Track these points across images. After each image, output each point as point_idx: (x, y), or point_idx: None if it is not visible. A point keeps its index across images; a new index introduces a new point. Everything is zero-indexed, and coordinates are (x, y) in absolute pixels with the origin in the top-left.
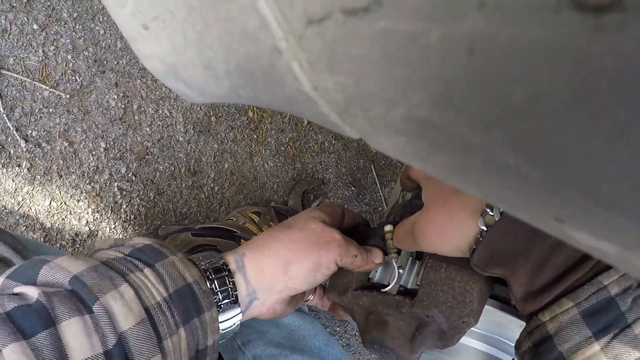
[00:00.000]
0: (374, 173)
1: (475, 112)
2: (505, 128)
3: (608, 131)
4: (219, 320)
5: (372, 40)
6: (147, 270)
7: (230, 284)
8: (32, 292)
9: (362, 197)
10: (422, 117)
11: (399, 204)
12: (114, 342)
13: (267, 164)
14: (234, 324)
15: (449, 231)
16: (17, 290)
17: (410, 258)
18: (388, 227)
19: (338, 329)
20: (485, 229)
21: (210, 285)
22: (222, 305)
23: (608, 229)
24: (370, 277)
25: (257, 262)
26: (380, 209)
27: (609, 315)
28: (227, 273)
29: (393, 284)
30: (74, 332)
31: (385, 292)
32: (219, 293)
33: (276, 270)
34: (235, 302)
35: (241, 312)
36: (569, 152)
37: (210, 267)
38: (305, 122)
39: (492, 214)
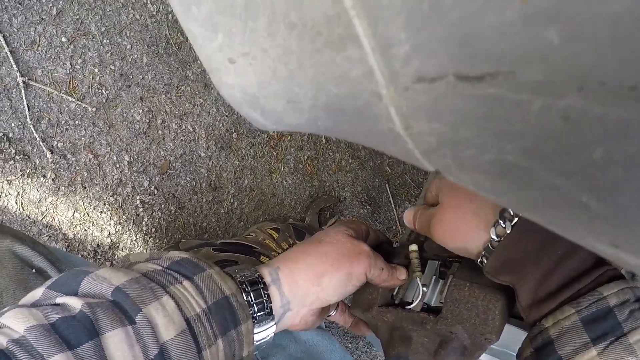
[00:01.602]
0: (389, 192)
1: (561, 161)
2: (584, 175)
3: None
4: (254, 332)
5: (478, 100)
6: (186, 283)
7: (265, 296)
8: (75, 303)
9: (377, 215)
10: (510, 161)
11: None
12: (156, 352)
13: (286, 181)
14: (268, 336)
15: (459, 234)
16: (59, 300)
17: (434, 277)
18: (413, 247)
19: (350, 345)
20: (496, 238)
21: (247, 297)
22: (257, 317)
23: None
24: (394, 294)
25: (292, 274)
26: (394, 227)
27: (606, 323)
28: (262, 286)
29: (417, 301)
30: (116, 342)
31: (410, 309)
32: (254, 305)
33: (309, 282)
34: (270, 314)
35: (275, 323)
36: (631, 195)
37: (246, 279)
38: (324, 140)
39: (504, 225)
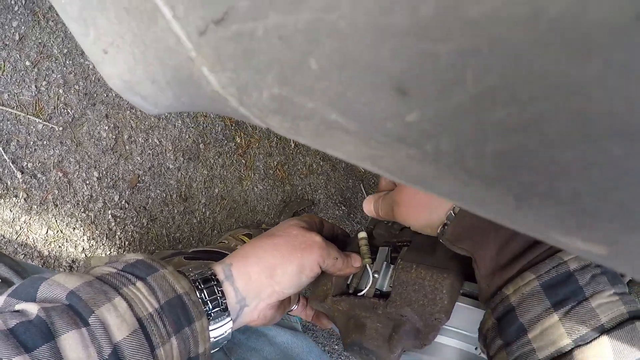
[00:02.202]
0: (364, 192)
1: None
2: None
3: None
4: (210, 329)
5: (231, 40)
6: (139, 284)
7: (219, 293)
8: (32, 309)
9: (353, 216)
10: (276, 93)
11: None
12: (109, 352)
13: (257, 187)
14: (225, 332)
15: (421, 208)
16: (18, 307)
17: (385, 263)
18: (362, 234)
19: (337, 347)
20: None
21: (200, 295)
22: (212, 314)
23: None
24: (348, 283)
25: (244, 270)
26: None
27: (567, 288)
28: (215, 282)
29: (368, 287)
30: (71, 344)
31: (362, 296)
32: (208, 302)
33: (263, 276)
34: (225, 310)
35: (232, 320)
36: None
37: (199, 277)
38: (293, 145)
39: None
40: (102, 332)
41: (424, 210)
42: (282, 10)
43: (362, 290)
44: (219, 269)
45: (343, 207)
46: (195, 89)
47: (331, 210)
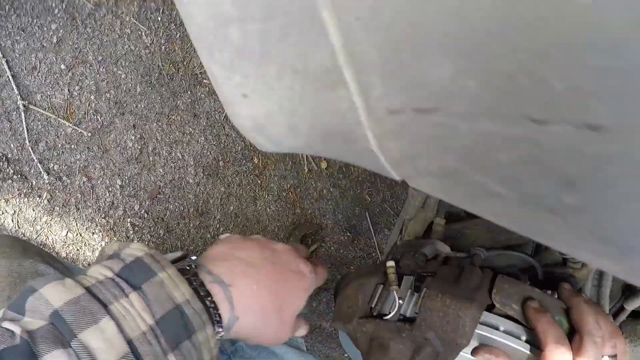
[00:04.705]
0: (369, 220)
1: (481, 164)
2: (496, 172)
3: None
4: (219, 332)
5: (427, 125)
6: (133, 295)
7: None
8: (17, 330)
9: (357, 242)
10: (450, 166)
11: (397, 244)
12: None
13: (270, 208)
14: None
15: None
16: (5, 325)
17: (410, 290)
18: (390, 263)
19: None
20: None
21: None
22: (218, 318)
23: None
24: (372, 306)
25: (245, 302)
26: (373, 255)
27: None
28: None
29: (394, 312)
30: None
31: (387, 319)
32: (211, 309)
33: (263, 310)
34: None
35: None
36: (529, 184)
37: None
38: (306, 170)
39: None
40: (87, 357)
41: None
42: (493, 119)
43: (387, 314)
44: (218, 291)
45: (348, 233)
46: (343, 143)
47: (337, 235)
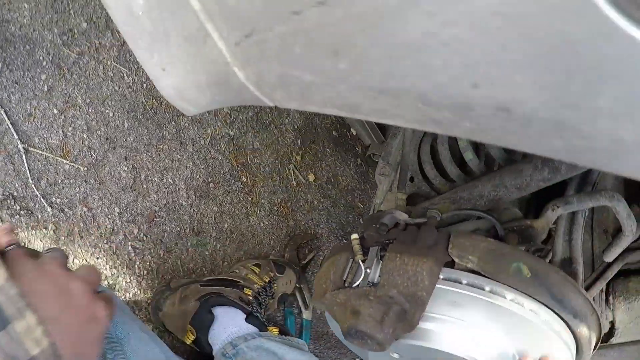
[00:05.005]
0: None
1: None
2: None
3: None
4: None
5: (256, 45)
6: None
7: None
8: None
9: None
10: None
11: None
12: None
13: (263, 222)
14: None
15: None
16: None
17: (375, 259)
18: (354, 236)
19: None
20: None
21: None
22: None
23: None
24: (344, 279)
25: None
26: None
27: None
28: None
29: (361, 280)
30: None
31: (356, 286)
32: None
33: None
34: None
35: None
36: None
37: None
38: (295, 183)
39: None
40: None
41: None
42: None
43: (356, 283)
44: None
45: (344, 241)
46: (227, 86)
47: (332, 243)
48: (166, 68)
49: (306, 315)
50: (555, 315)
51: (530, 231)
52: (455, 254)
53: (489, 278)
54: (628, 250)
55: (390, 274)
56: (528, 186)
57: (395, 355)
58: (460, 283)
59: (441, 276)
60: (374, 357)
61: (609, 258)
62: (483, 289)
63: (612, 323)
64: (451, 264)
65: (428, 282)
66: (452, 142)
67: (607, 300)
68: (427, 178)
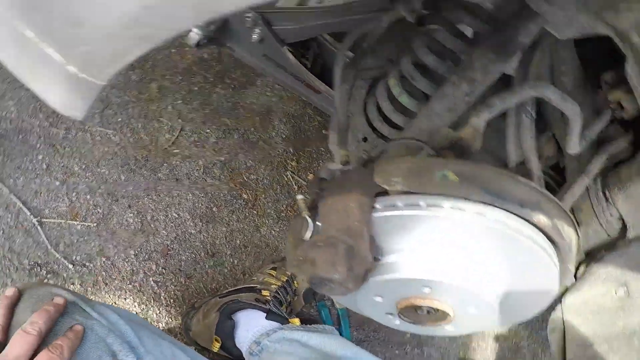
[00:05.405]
0: None
1: None
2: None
3: None
4: None
5: None
6: None
7: None
8: None
9: None
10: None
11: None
12: None
13: (274, 230)
14: None
15: None
16: None
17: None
18: (299, 197)
19: (397, 352)
20: None
21: None
22: None
23: None
24: (301, 239)
25: None
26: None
27: None
28: None
29: (308, 232)
30: None
31: (306, 239)
32: None
33: None
34: None
35: None
36: None
37: None
38: (296, 187)
39: None
40: None
41: None
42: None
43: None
44: None
45: None
46: (76, 85)
47: None
48: (46, 89)
49: (339, 305)
50: (505, 212)
51: (461, 143)
52: (380, 180)
53: (420, 194)
54: (606, 142)
55: (326, 216)
56: (457, 105)
57: (379, 299)
58: (397, 206)
59: (378, 205)
60: (363, 306)
61: (572, 149)
62: (419, 205)
63: (622, 219)
64: (386, 194)
65: (358, 211)
66: (391, 95)
67: (605, 198)
68: (383, 135)
